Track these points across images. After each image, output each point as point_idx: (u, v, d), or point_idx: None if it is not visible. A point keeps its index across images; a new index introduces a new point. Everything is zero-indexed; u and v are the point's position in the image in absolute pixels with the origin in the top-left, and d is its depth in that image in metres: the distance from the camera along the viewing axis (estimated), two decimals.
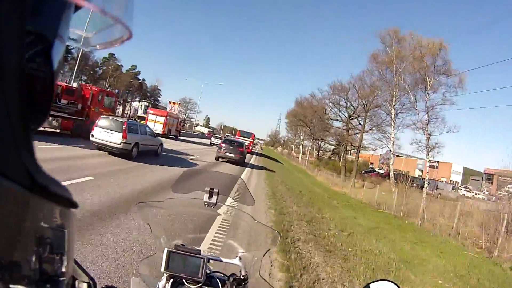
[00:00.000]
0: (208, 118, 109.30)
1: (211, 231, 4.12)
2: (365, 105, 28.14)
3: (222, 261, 1.03)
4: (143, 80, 56.52)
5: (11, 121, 0.21)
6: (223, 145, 15.58)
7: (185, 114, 74.01)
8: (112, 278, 2.64)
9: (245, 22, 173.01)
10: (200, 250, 0.97)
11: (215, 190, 1.09)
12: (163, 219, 1.29)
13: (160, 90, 64.54)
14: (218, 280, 0.97)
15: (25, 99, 0.23)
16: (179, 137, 29.91)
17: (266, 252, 1.11)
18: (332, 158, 53.62)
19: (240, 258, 1.04)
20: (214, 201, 1.08)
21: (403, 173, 25.64)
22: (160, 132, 23.31)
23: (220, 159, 15.52)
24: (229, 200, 2.04)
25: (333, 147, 51.01)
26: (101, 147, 9.21)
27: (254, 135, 37.12)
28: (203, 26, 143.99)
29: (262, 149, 56.04)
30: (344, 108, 32.40)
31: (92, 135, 9.22)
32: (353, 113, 31.16)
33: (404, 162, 54.59)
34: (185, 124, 27.97)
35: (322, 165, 39.38)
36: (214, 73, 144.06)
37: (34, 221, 0.25)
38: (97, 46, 0.32)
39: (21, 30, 0.21)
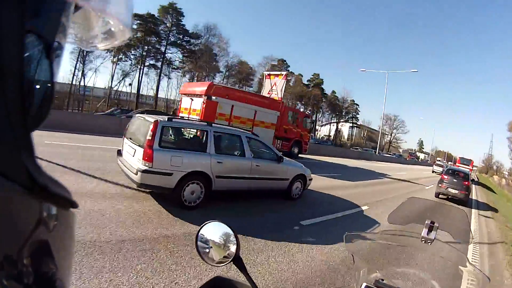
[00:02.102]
0: (422, 141, 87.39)
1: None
2: None
3: None
4: (333, 92, 51.38)
5: (11, 121, 0.21)
6: (445, 177, 11.85)
7: (390, 135, 63.61)
8: None
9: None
10: (398, 287, 0.92)
11: (436, 225, 1.01)
12: (369, 252, 1.18)
13: (357, 105, 55.28)
14: None
15: (25, 99, 0.22)
16: (300, 155, 14.20)
17: None
18: None
19: None
20: (433, 237, 1.00)
21: None
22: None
23: (440, 195, 11.86)
24: (446, 235, 1.26)
25: None
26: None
27: (473, 162, 31.71)
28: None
29: (478, 178, 39.30)
30: None
31: (120, 153, 4.77)
32: None
33: None
34: (312, 123, 16.34)
35: None
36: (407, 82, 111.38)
37: (33, 221, 0.24)
38: (97, 46, 0.32)
39: (21, 30, 0.21)
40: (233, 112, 10.13)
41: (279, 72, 14.65)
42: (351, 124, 56.99)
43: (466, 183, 11.69)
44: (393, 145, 66.21)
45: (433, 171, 32.14)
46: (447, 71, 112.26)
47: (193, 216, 3.92)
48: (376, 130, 62.88)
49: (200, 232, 0.79)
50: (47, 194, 0.23)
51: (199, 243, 0.78)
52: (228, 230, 0.78)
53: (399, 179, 15.24)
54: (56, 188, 0.24)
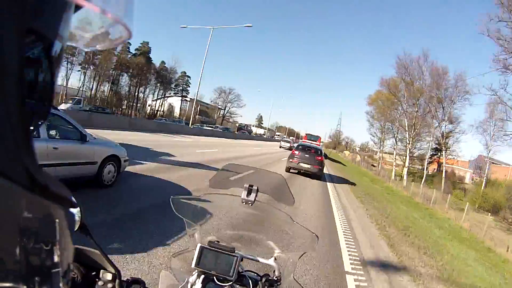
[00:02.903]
0: (261, 116, 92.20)
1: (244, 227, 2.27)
2: None
3: (256, 260, 1.01)
4: (163, 63, 47.29)
5: (11, 120, 0.22)
6: (296, 152, 12.18)
7: (224, 109, 61.57)
8: None
9: None
10: (234, 248, 0.94)
11: (255, 188, 1.05)
12: (199, 214, 1.16)
13: (189, 77, 51.72)
14: (249, 279, 0.95)
15: (25, 99, 0.23)
16: None
17: (302, 255, 1.05)
18: (429, 170, 36.09)
19: (275, 259, 1.02)
20: (253, 199, 1.04)
21: None
22: None
23: (291, 170, 12.14)
24: (268, 198, 1.27)
25: (431, 151, 33.73)
26: None
27: (321, 138, 32.45)
28: None
29: (326, 154, 48.46)
30: None
31: None
32: None
33: (503, 172, 36.24)
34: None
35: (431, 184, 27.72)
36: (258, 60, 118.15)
37: (32, 220, 0.24)
38: (97, 46, 0.32)
39: (21, 30, 0.22)
40: None
41: None
42: (181, 98, 54.17)
43: (319, 158, 12.05)
44: (227, 119, 64.05)
45: (280, 147, 32.92)
46: (293, 47, 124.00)
47: None
48: (210, 105, 61.17)
49: None
50: (47, 193, 0.23)
51: None
52: (72, 200, 0.66)
53: (189, 163, 8.70)
54: (56, 188, 0.24)
